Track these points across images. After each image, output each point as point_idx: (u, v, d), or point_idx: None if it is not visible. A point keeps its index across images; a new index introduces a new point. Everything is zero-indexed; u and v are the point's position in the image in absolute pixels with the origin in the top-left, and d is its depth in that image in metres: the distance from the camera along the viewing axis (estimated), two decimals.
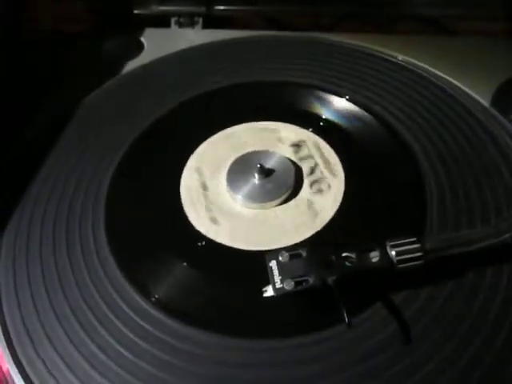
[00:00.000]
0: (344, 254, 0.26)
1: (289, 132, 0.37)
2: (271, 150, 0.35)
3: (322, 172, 0.34)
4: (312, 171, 0.34)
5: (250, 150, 0.36)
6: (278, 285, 0.25)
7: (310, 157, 0.35)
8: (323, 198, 0.32)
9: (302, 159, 0.35)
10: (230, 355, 0.26)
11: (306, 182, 0.34)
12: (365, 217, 0.31)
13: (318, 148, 0.35)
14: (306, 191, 0.33)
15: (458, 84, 0.38)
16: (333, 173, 0.34)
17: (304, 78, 0.40)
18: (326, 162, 0.34)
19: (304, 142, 0.36)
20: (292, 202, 0.33)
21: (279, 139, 0.36)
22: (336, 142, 0.36)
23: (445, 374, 0.25)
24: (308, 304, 0.27)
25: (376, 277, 0.27)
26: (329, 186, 0.33)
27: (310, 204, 0.32)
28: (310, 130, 0.36)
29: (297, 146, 0.35)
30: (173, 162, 0.36)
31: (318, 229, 0.31)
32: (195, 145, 0.37)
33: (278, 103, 0.39)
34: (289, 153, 0.35)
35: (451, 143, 0.34)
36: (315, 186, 0.33)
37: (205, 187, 0.34)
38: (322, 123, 0.37)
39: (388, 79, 0.39)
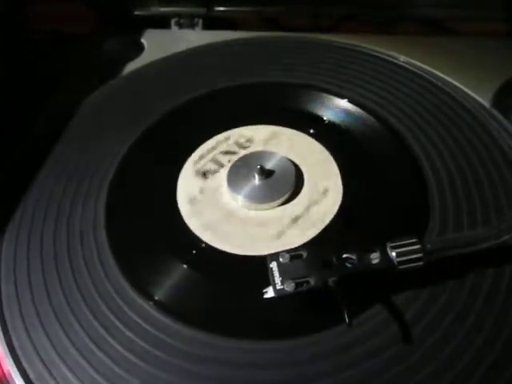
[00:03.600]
0: (344, 255, 0.26)
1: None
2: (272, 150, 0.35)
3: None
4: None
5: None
6: (279, 286, 0.25)
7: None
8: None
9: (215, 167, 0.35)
10: (230, 356, 0.26)
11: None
12: (365, 218, 0.31)
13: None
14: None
15: (459, 85, 0.38)
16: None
17: (304, 79, 0.40)
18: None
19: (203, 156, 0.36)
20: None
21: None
22: (335, 143, 0.35)
23: (445, 374, 0.25)
24: (308, 305, 0.27)
25: (376, 278, 0.27)
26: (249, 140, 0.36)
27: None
28: (311, 131, 0.36)
29: (203, 174, 0.35)
30: (173, 162, 0.36)
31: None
32: (195, 146, 0.37)
33: (278, 105, 0.39)
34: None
35: (452, 144, 0.34)
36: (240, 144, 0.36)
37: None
38: (321, 124, 0.37)
39: (389, 80, 0.39)
